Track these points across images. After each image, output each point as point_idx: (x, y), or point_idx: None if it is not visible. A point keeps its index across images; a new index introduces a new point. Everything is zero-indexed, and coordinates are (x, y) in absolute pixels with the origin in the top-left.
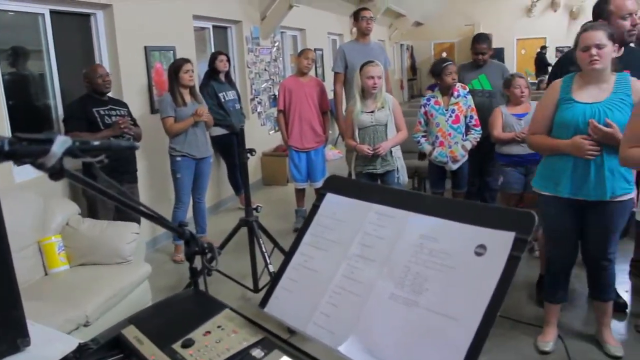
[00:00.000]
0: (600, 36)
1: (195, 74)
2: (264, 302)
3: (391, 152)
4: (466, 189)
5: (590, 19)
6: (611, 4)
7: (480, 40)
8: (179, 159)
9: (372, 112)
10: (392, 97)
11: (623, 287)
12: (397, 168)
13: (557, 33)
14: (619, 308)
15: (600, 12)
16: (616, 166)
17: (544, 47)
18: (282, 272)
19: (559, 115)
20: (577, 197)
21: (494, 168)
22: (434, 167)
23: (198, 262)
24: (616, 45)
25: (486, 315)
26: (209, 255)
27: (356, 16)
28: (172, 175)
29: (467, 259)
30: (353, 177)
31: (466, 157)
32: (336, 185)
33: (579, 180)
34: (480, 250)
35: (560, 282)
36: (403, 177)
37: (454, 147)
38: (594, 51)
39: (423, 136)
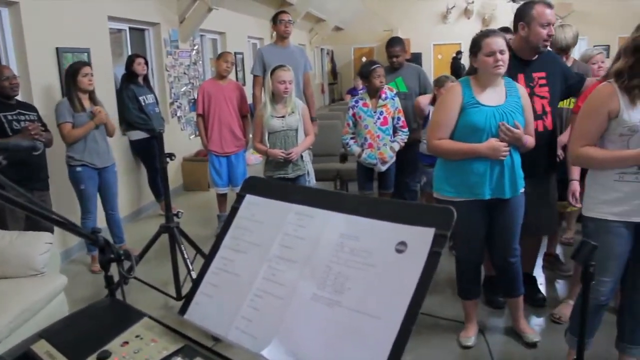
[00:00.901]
0: (502, 42)
1: (111, 77)
2: (183, 309)
3: (302, 156)
4: (392, 189)
5: (501, 25)
6: (534, 10)
7: (393, 43)
8: (79, 169)
9: (282, 117)
10: (301, 102)
11: (538, 281)
12: (307, 172)
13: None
14: (538, 303)
15: (523, 16)
16: (518, 164)
17: (459, 52)
18: (201, 277)
19: (466, 119)
20: (495, 197)
21: (415, 169)
22: (363, 169)
23: (115, 271)
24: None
25: (409, 312)
26: (129, 264)
27: (274, 19)
28: (73, 187)
29: (388, 257)
30: None
31: (394, 159)
32: (255, 186)
33: (497, 181)
34: (401, 247)
35: (472, 279)
36: (313, 181)
37: (383, 149)
38: (499, 56)
39: (352, 138)
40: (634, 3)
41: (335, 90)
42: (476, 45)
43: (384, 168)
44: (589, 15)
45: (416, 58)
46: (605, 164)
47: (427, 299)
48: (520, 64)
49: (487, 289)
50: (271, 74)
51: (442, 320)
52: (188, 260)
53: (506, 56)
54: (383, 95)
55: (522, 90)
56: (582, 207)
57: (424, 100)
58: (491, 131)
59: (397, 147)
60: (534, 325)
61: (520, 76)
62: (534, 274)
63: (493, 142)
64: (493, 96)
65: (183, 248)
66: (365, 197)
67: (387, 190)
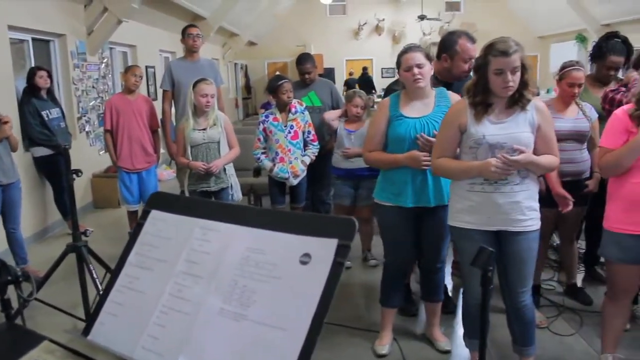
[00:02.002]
0: (419, 57)
1: (12, 90)
2: (87, 330)
3: (225, 169)
4: (304, 202)
5: (410, 41)
6: (458, 45)
7: (303, 61)
8: None
9: (204, 129)
10: (224, 115)
11: (448, 288)
12: (231, 185)
13: (382, 55)
14: (449, 309)
15: (446, 48)
16: None
17: (365, 68)
18: (105, 296)
19: (392, 131)
20: (419, 205)
21: (328, 182)
22: (275, 183)
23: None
24: (433, 62)
25: (314, 322)
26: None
27: (183, 33)
28: None
29: (293, 269)
30: (187, 195)
31: (305, 172)
32: (161, 202)
33: (420, 190)
34: (305, 258)
35: (396, 287)
36: (237, 194)
37: (294, 163)
38: (415, 70)
39: (263, 153)
40: (536, 27)
41: (250, 105)
42: (398, 62)
43: (295, 182)
44: (492, 34)
45: (329, 73)
46: (456, 174)
47: (343, 309)
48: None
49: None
50: (193, 87)
51: (356, 331)
52: (97, 280)
53: (425, 69)
54: (293, 110)
55: (454, 98)
56: (449, 217)
57: (331, 115)
58: (412, 141)
59: (308, 160)
60: (446, 331)
61: None
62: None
63: (413, 152)
64: (419, 108)
65: (92, 268)
66: (270, 210)
67: (298, 204)
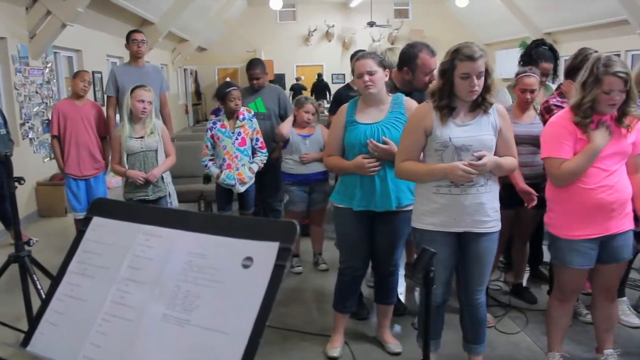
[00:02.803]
0: (370, 64)
1: None
2: (26, 341)
3: (162, 177)
4: (253, 209)
5: (360, 48)
6: (419, 59)
7: (253, 66)
8: None
9: (141, 137)
10: (161, 123)
11: (399, 290)
12: (169, 193)
13: (332, 61)
14: (399, 312)
15: (407, 61)
16: (393, 177)
17: (320, 74)
18: (46, 305)
19: (347, 136)
20: (368, 209)
21: (277, 188)
22: (222, 190)
23: None
24: (387, 70)
25: (256, 326)
26: None
27: (127, 39)
28: None
29: (235, 272)
30: None
31: (253, 179)
32: (103, 208)
33: (368, 194)
34: (247, 262)
35: (351, 293)
36: (175, 202)
37: (242, 170)
38: (366, 77)
39: (210, 160)
40: (482, 34)
41: (200, 111)
42: (353, 68)
43: (242, 189)
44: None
45: (279, 79)
46: (422, 176)
47: (294, 314)
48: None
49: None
50: (131, 92)
51: (308, 335)
52: (42, 291)
53: (377, 76)
54: (241, 117)
55: (409, 104)
56: (412, 219)
57: (285, 129)
58: (362, 147)
59: (256, 167)
60: (396, 333)
61: None
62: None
63: (359, 159)
64: (373, 114)
65: (36, 278)
66: (213, 215)
67: (247, 211)
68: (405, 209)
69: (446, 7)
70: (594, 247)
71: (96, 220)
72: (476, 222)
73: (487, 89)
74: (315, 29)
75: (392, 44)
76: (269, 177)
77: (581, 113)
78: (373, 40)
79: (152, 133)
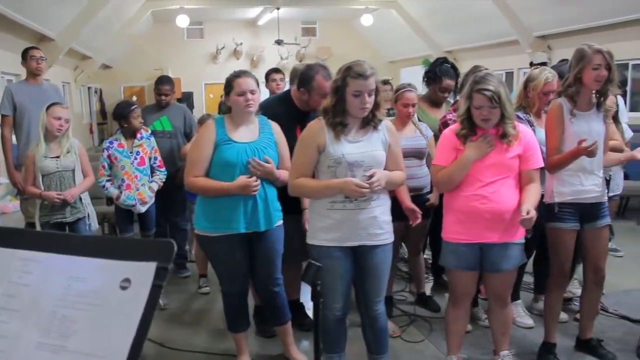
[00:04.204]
0: (252, 83)
1: None
2: None
3: (80, 198)
4: (154, 230)
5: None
6: (315, 81)
7: (162, 82)
8: None
9: (57, 157)
10: (78, 142)
11: (306, 306)
12: (88, 214)
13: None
14: (307, 327)
15: (304, 82)
16: (274, 197)
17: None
18: None
19: (219, 155)
20: (250, 230)
21: (184, 207)
22: (121, 211)
23: None
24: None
25: (132, 348)
26: None
27: (24, 56)
28: None
29: (113, 295)
30: (38, 228)
31: (154, 199)
32: None
33: (251, 214)
34: (125, 284)
35: (240, 312)
36: (94, 224)
37: (142, 189)
38: (249, 96)
39: (108, 180)
40: (387, 52)
41: (105, 130)
42: (229, 85)
43: (143, 209)
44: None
45: (187, 97)
46: (317, 192)
47: (200, 335)
48: (299, 115)
49: (257, 319)
50: (47, 109)
51: (215, 356)
52: None
53: (257, 95)
54: (139, 136)
55: (276, 127)
56: (308, 235)
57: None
58: (243, 166)
59: (156, 187)
60: (304, 350)
61: (298, 127)
62: (301, 300)
63: (243, 180)
64: (246, 133)
65: None
66: (91, 237)
67: (148, 232)
68: (278, 225)
69: (352, 25)
70: (473, 253)
71: None
72: (370, 235)
73: (377, 106)
74: (224, 47)
75: (300, 61)
76: (174, 196)
77: (460, 124)
78: (281, 57)
79: (68, 152)
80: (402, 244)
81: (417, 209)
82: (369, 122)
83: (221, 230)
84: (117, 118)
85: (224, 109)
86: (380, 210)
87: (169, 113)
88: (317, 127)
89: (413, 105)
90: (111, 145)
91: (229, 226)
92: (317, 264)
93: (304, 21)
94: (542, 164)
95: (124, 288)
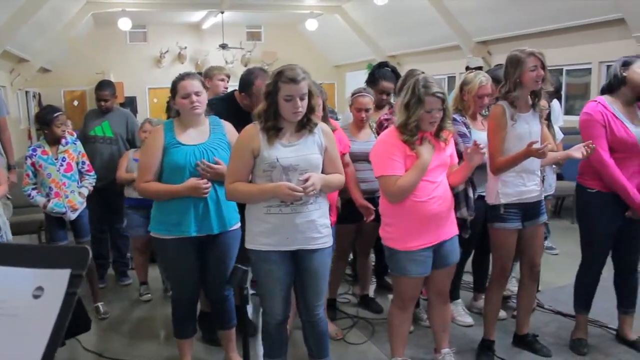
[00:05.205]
0: (197, 84)
1: None
2: None
3: None
4: (90, 236)
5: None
6: (255, 86)
7: (102, 87)
8: None
9: None
10: None
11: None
12: (0, 226)
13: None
14: (250, 333)
15: (245, 87)
16: (224, 199)
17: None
18: None
19: (168, 159)
20: (202, 233)
21: (121, 213)
22: (52, 219)
23: None
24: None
25: (45, 356)
26: None
27: None
28: None
29: (26, 304)
30: None
31: (85, 204)
32: None
33: (202, 217)
34: (38, 292)
35: (189, 318)
36: (7, 235)
37: (71, 196)
38: (194, 98)
39: (34, 189)
40: (332, 57)
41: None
42: (174, 89)
43: (74, 216)
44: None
45: (131, 102)
46: (252, 196)
47: (142, 344)
48: (244, 116)
49: (203, 326)
50: None
51: None
52: None
53: (202, 97)
54: (63, 141)
55: (228, 127)
56: (246, 240)
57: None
58: (192, 168)
59: (86, 192)
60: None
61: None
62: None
63: (192, 181)
64: (195, 135)
65: None
66: (3, 245)
67: (83, 239)
68: (234, 229)
69: (298, 30)
70: (430, 255)
71: None
72: (308, 239)
73: (311, 109)
74: (167, 51)
75: (245, 65)
76: (116, 203)
77: (408, 132)
78: (226, 62)
79: None
80: None
81: (370, 205)
82: (304, 125)
83: (173, 234)
84: (40, 124)
85: (174, 112)
86: (318, 214)
87: (110, 118)
88: (251, 131)
89: (367, 110)
90: (34, 153)
91: (180, 230)
92: (244, 268)
93: (249, 25)
94: None
95: (36, 297)
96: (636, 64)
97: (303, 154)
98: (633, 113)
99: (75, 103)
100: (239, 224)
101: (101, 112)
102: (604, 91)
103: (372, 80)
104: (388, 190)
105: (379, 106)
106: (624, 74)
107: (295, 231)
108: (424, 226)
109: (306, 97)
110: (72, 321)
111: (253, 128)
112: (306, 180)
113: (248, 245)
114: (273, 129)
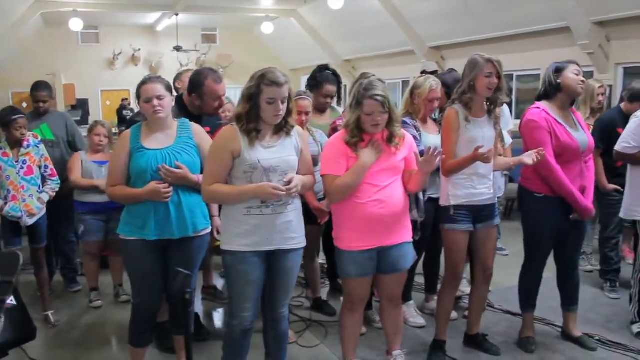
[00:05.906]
0: (159, 88)
1: None
2: None
3: None
4: (45, 242)
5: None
6: (205, 86)
7: (39, 88)
8: None
9: None
10: None
11: (201, 315)
12: None
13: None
14: (202, 337)
15: (195, 88)
16: (194, 204)
17: (125, 99)
18: None
19: (133, 163)
20: (163, 237)
21: (72, 219)
22: (8, 223)
23: None
24: (174, 94)
25: None
26: None
27: None
28: None
29: None
30: None
31: (44, 210)
32: None
33: (163, 221)
34: None
35: (147, 326)
36: None
37: (29, 201)
38: (155, 102)
39: None
40: (288, 60)
41: None
42: (138, 93)
43: (30, 221)
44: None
45: (83, 104)
46: (233, 198)
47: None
48: (195, 120)
49: (157, 333)
50: None
51: None
52: None
53: (166, 100)
54: (25, 144)
55: (196, 129)
56: (221, 241)
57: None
58: (154, 173)
59: (46, 197)
60: None
61: None
62: (196, 310)
63: (152, 185)
64: (161, 140)
65: None
66: None
67: (39, 244)
68: (201, 234)
69: (253, 33)
70: (372, 258)
71: None
72: (285, 239)
73: (289, 112)
74: (120, 52)
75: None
76: (64, 207)
77: (350, 133)
78: (181, 64)
79: None
80: None
81: (325, 208)
82: (282, 128)
83: (134, 235)
84: (1, 125)
85: (131, 116)
86: (295, 214)
87: (49, 121)
88: (230, 133)
89: (307, 113)
90: None
91: (142, 232)
92: (185, 272)
93: (204, 28)
94: None
95: None
96: (568, 69)
97: (283, 155)
98: (569, 117)
99: (24, 105)
100: (208, 230)
101: (38, 114)
102: (540, 97)
103: (314, 84)
104: (327, 189)
105: (321, 110)
106: (559, 80)
107: (273, 232)
108: (364, 228)
109: (287, 101)
110: (15, 330)
111: (231, 129)
112: (289, 181)
113: (224, 247)
114: (254, 131)
